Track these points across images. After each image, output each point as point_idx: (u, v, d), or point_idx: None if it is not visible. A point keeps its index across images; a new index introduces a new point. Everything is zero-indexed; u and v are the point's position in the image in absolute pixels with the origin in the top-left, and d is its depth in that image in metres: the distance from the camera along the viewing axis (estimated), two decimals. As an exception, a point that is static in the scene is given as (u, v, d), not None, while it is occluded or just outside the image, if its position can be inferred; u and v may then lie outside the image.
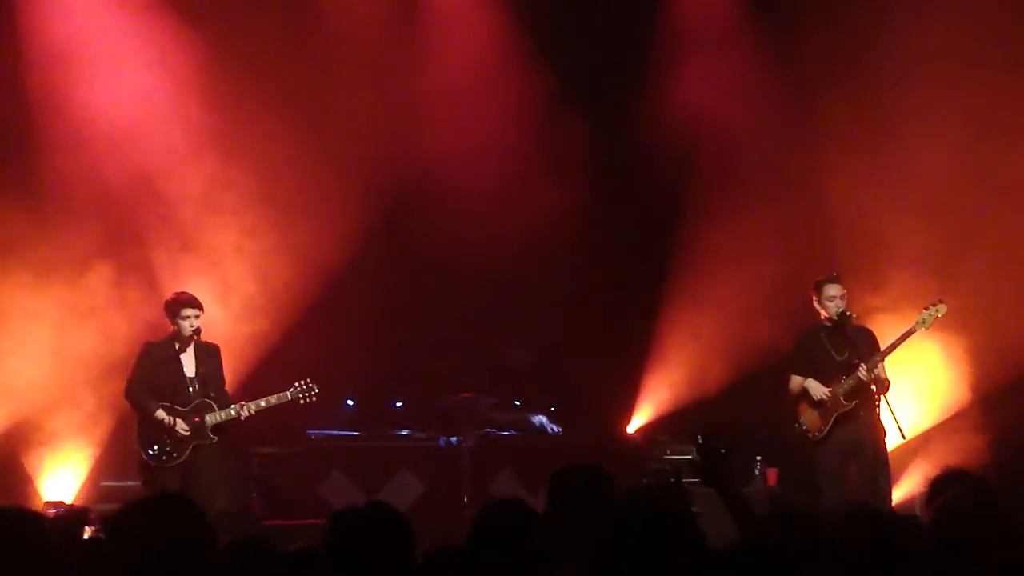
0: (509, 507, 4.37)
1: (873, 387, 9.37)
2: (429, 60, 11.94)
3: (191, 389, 9.40)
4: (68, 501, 10.49)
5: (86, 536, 7.20)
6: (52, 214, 10.86)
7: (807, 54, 11.37)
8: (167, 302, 9.56)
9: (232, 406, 9.44)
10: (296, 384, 9.69)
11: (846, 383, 9.48)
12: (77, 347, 10.75)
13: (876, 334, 9.80)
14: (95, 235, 10.93)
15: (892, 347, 9.56)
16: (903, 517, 4.09)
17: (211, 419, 9.36)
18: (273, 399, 9.60)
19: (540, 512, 4.64)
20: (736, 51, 11.89)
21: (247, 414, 9.44)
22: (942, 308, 9.63)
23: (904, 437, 9.67)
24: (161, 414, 9.30)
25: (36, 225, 10.73)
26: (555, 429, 11.97)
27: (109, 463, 10.88)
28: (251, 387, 10.31)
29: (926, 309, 9.65)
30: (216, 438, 9.38)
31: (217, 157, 11.24)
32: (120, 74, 11.08)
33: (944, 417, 11.20)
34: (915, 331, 9.64)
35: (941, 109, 10.93)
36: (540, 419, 11.98)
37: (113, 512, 3.78)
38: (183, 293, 9.60)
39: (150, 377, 9.44)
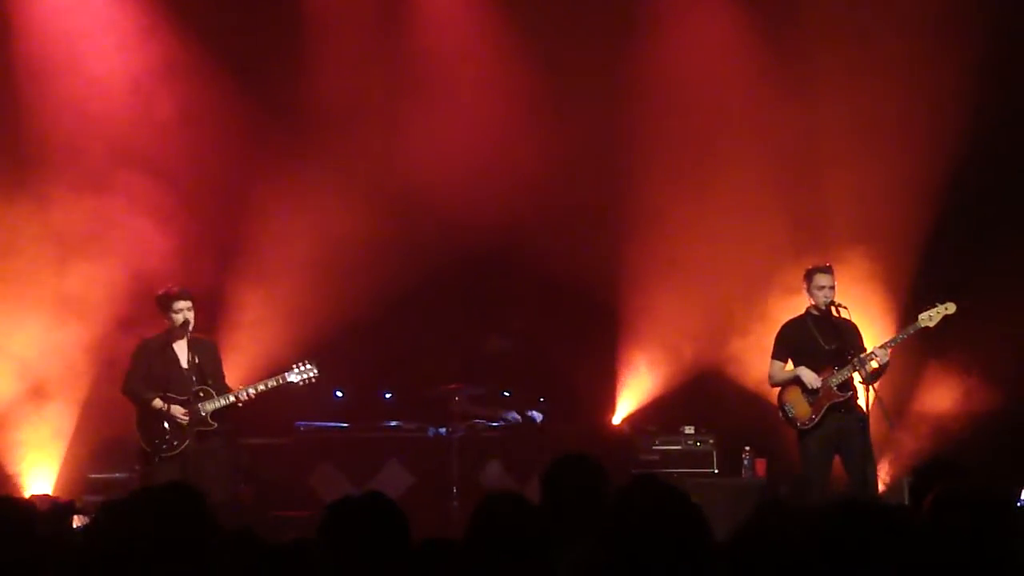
0: (509, 501, 4.36)
1: (862, 381, 9.38)
2: (413, 42, 11.93)
3: (187, 379, 9.43)
4: (52, 494, 10.52)
5: (75, 526, 7.23)
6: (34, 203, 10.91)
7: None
8: (158, 296, 9.58)
9: (231, 392, 9.48)
10: (295, 366, 9.70)
11: (840, 374, 9.48)
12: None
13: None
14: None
15: (893, 342, 9.55)
16: (895, 508, 4.09)
17: (210, 405, 9.40)
18: (272, 382, 9.63)
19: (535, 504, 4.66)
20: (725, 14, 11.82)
21: (246, 397, 9.47)
22: (951, 306, 9.59)
23: (892, 426, 9.69)
24: (158, 402, 9.37)
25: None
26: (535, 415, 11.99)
27: (97, 456, 10.91)
28: (243, 378, 10.31)
29: (933, 307, 9.62)
30: (216, 424, 9.40)
31: (209, 155, 11.27)
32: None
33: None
34: (919, 327, 9.63)
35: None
36: (514, 415, 12.00)
37: (117, 500, 3.79)
38: (173, 287, 9.61)
39: (146, 370, 9.50)
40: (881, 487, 10.33)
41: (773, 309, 10.72)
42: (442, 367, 11.76)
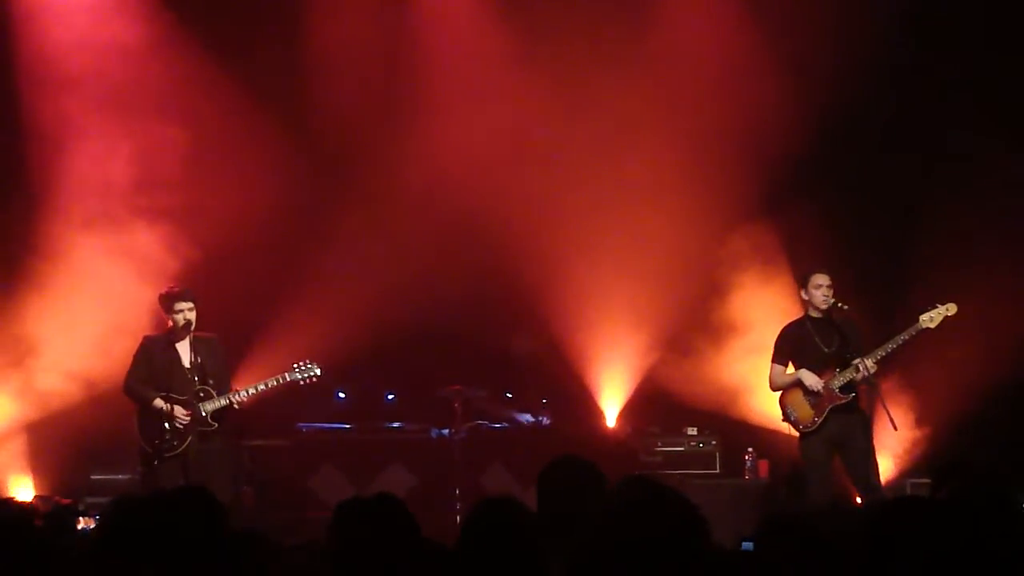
0: (501, 506, 4.35)
1: (864, 383, 9.36)
2: (418, 48, 11.95)
3: (189, 379, 9.42)
4: (58, 495, 10.51)
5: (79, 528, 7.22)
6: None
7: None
8: (161, 296, 9.58)
9: (232, 391, 9.47)
10: (296, 365, 9.67)
11: (841, 376, 9.44)
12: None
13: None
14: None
15: (897, 345, 9.48)
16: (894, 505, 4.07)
17: (210, 406, 9.38)
18: (272, 381, 9.60)
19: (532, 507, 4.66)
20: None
21: (246, 397, 9.46)
22: (952, 307, 9.52)
23: (896, 428, 9.66)
24: (159, 402, 9.36)
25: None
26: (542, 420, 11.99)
27: (99, 457, 10.91)
28: (243, 379, 10.31)
29: (934, 308, 9.57)
30: (216, 425, 9.40)
31: (214, 159, 11.35)
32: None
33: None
34: (920, 329, 9.56)
35: None
36: (527, 416, 12.00)
37: (127, 498, 3.78)
38: (175, 287, 9.62)
39: (147, 370, 9.49)
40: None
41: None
42: (445, 368, 11.73)
